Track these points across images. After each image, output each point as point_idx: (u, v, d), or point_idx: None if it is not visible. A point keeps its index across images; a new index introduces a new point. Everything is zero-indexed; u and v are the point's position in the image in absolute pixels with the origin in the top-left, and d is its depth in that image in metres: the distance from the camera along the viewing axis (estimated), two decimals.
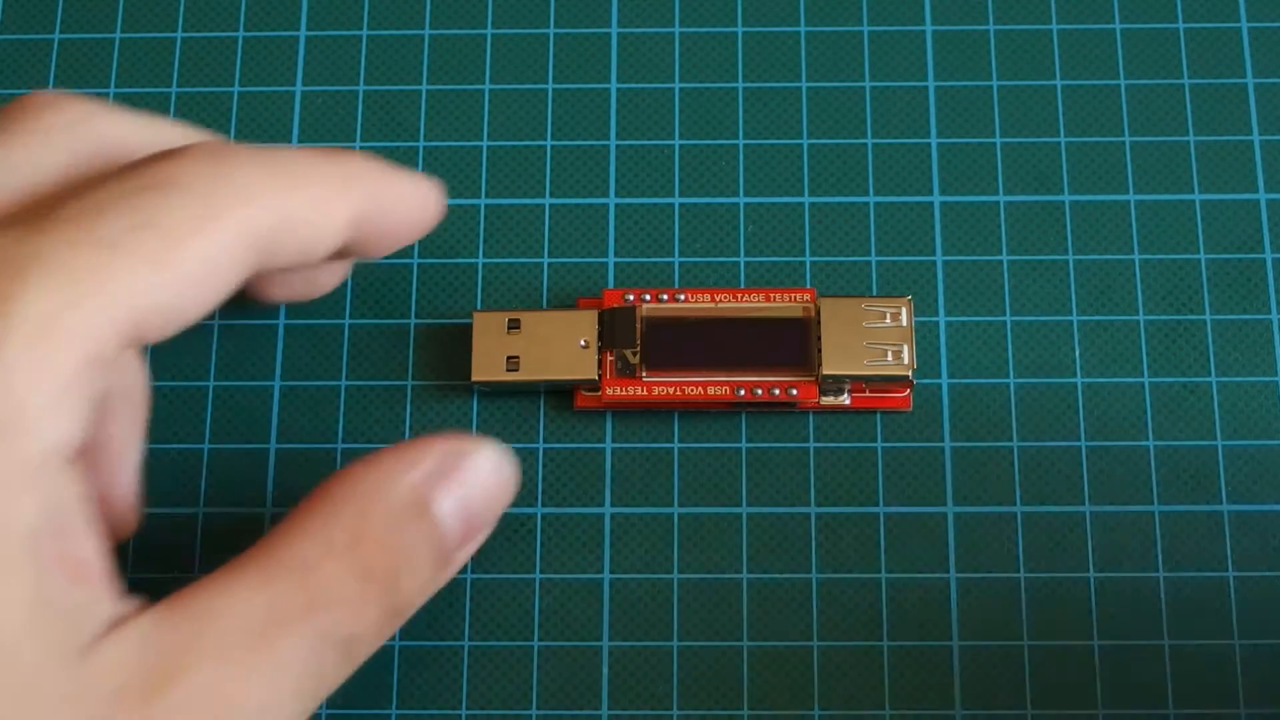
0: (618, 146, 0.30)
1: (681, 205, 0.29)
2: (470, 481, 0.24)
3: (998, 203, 0.29)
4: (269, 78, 0.30)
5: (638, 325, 0.27)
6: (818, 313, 0.27)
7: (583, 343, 0.27)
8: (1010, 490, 0.27)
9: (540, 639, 0.27)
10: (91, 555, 0.20)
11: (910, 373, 0.26)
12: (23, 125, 0.23)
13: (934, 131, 0.30)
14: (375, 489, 0.23)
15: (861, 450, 0.28)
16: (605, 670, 0.27)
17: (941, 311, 0.28)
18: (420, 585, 0.23)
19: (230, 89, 0.30)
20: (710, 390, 0.27)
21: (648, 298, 0.27)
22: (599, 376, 0.27)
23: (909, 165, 0.29)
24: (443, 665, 0.27)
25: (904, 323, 0.26)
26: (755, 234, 0.29)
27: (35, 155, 0.22)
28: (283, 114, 0.30)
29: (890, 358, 0.26)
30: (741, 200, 0.29)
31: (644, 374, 0.27)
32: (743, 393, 0.27)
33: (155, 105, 0.30)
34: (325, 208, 0.23)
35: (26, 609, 0.19)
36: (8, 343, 0.18)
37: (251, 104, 0.30)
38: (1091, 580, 0.27)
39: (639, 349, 0.27)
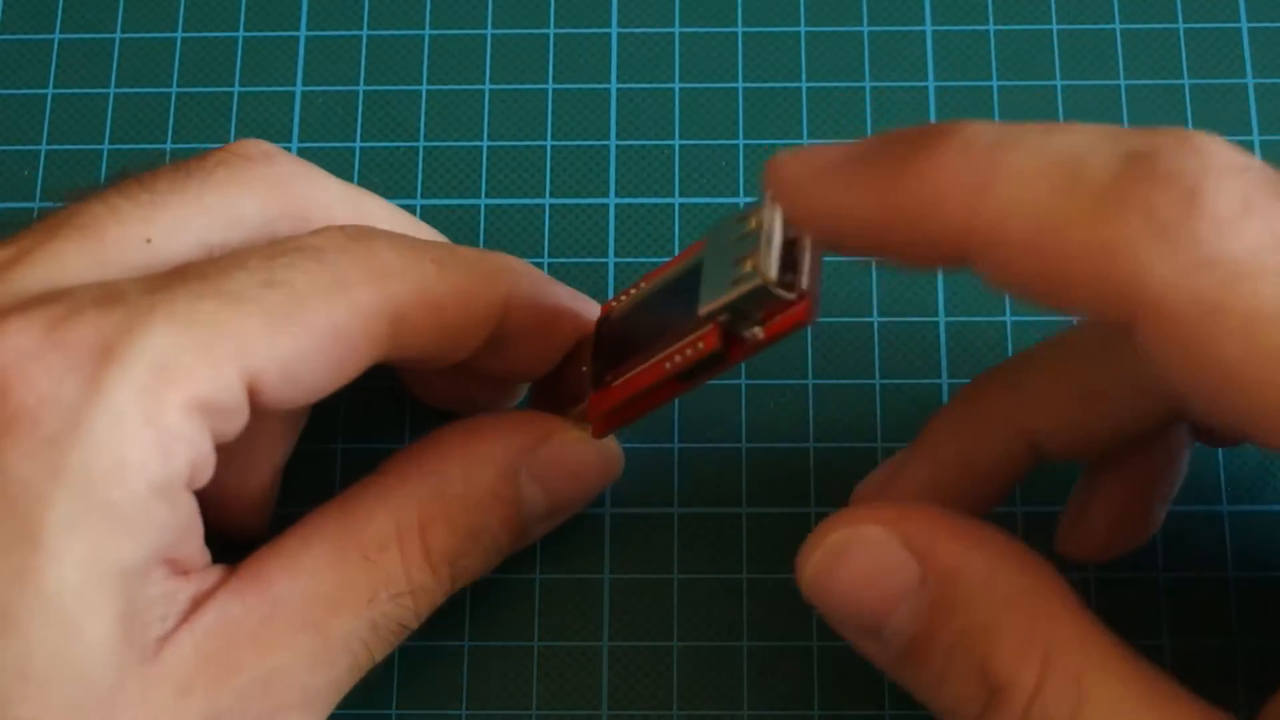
0: (618, 146, 0.30)
1: (681, 205, 0.29)
2: (562, 461, 0.24)
3: None
4: (269, 78, 0.30)
5: (600, 330, 0.24)
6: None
7: (585, 369, 0.25)
8: (1011, 491, 0.27)
9: (540, 639, 0.27)
10: (194, 552, 0.21)
11: (765, 283, 0.20)
12: (231, 172, 0.23)
13: None
14: (462, 466, 0.23)
15: (864, 450, 0.28)
16: (605, 670, 0.27)
17: (942, 312, 0.28)
18: (488, 563, 0.24)
19: (230, 89, 0.30)
20: (649, 376, 0.23)
21: (623, 297, 0.25)
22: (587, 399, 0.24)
23: None
24: (443, 665, 0.27)
25: (768, 228, 0.20)
26: None
27: (234, 204, 0.23)
28: (283, 114, 0.30)
29: (747, 268, 0.20)
30: (741, 200, 0.29)
31: (609, 380, 0.24)
32: (668, 366, 0.22)
33: (155, 105, 0.30)
34: (469, 297, 0.23)
35: (108, 640, 0.19)
36: (120, 389, 0.19)
37: (251, 104, 0.30)
38: (1092, 581, 0.27)
39: (589, 365, 0.24)
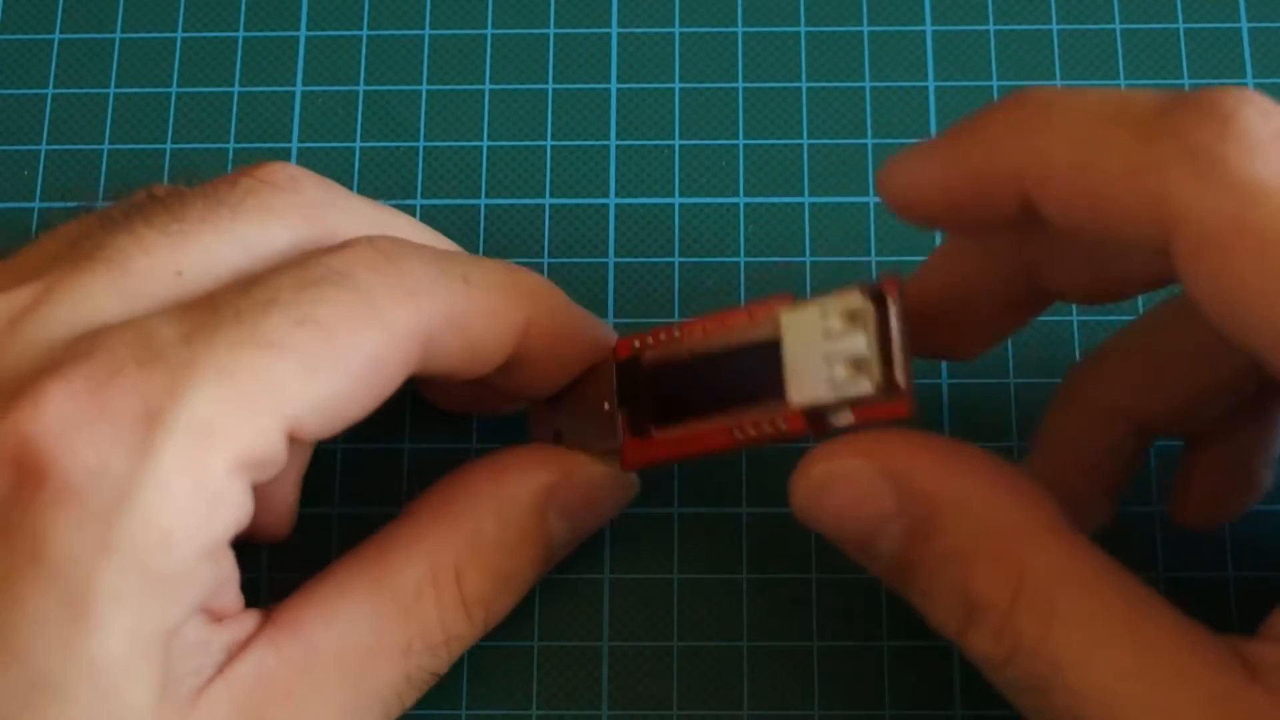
0: (618, 146, 0.30)
1: (681, 205, 0.29)
2: (586, 495, 0.25)
3: None
4: (269, 78, 0.30)
5: (644, 377, 0.24)
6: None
7: (607, 405, 0.25)
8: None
9: (540, 639, 0.27)
10: (230, 600, 0.21)
11: (874, 390, 0.21)
12: (261, 200, 0.22)
13: (934, 131, 0.30)
14: (494, 507, 0.24)
15: None
16: (605, 670, 0.27)
17: None
18: (516, 602, 0.24)
19: (230, 89, 0.30)
20: (712, 441, 0.23)
21: (650, 341, 0.24)
22: (619, 440, 0.24)
23: None
24: None
25: (868, 330, 0.21)
26: (755, 234, 0.29)
27: (266, 234, 0.22)
28: (283, 114, 0.30)
29: (858, 373, 0.21)
30: (741, 200, 0.29)
31: (654, 432, 0.24)
32: (739, 435, 0.23)
33: (155, 105, 0.30)
34: (496, 317, 0.22)
35: (150, 703, 0.19)
36: (166, 460, 0.19)
37: (251, 104, 0.30)
38: None
39: (643, 405, 0.24)
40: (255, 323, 0.20)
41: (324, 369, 0.20)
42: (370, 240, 0.22)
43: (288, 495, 0.25)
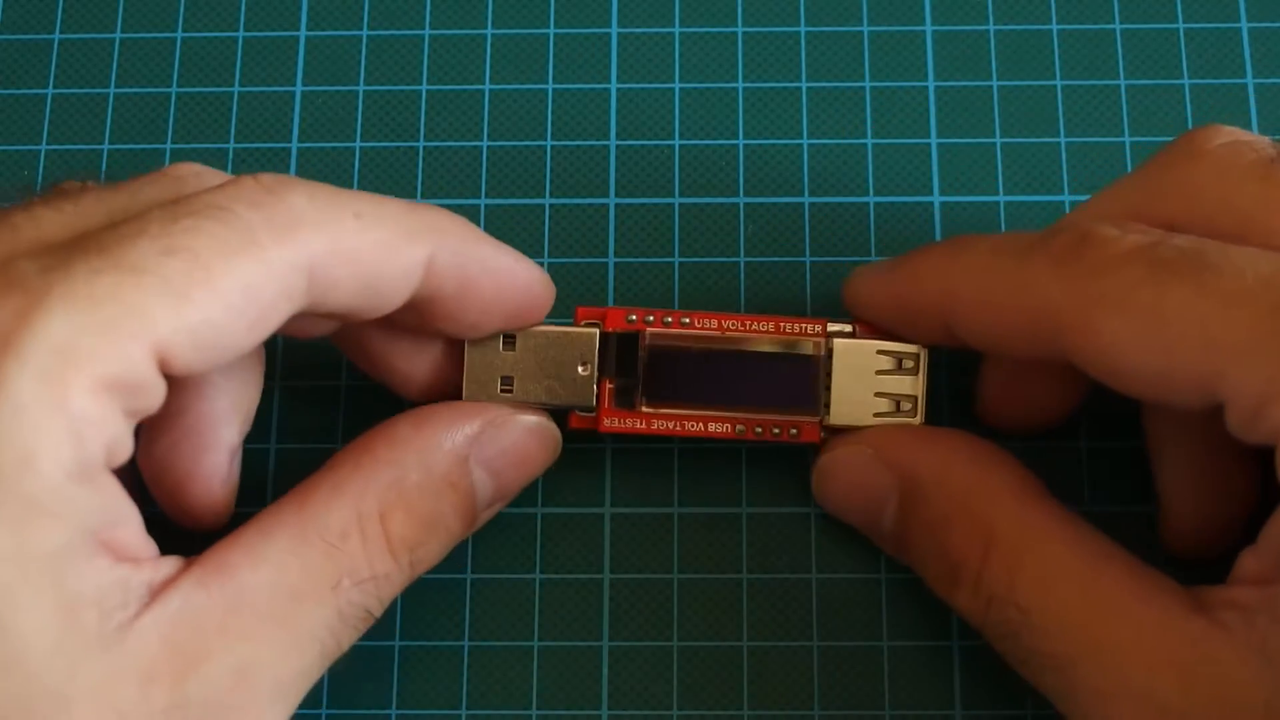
0: (618, 146, 0.30)
1: (681, 205, 0.29)
2: (509, 447, 0.25)
3: (998, 203, 0.29)
4: (269, 78, 0.30)
5: (641, 355, 0.25)
6: (829, 355, 0.25)
7: (582, 369, 0.25)
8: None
9: (540, 639, 0.27)
10: (134, 538, 0.21)
11: (919, 424, 0.25)
12: (160, 188, 0.23)
13: (934, 131, 0.30)
14: (417, 455, 0.24)
15: None
16: (605, 670, 0.27)
17: None
18: (443, 550, 0.25)
19: (230, 89, 0.30)
20: (711, 427, 0.25)
21: (651, 319, 0.25)
22: (596, 405, 0.25)
23: (909, 165, 0.29)
24: (443, 665, 0.27)
25: (918, 374, 0.25)
26: (755, 234, 0.29)
27: (142, 197, 0.22)
28: (283, 114, 0.30)
29: (899, 409, 0.25)
30: (741, 200, 0.29)
31: (644, 406, 0.25)
32: (742, 429, 0.25)
33: (155, 106, 0.30)
34: (391, 251, 0.22)
35: (48, 630, 0.19)
36: (19, 379, 0.19)
37: (251, 104, 0.30)
38: None
39: (640, 380, 0.25)
40: (119, 252, 0.20)
41: (192, 296, 0.20)
42: (256, 176, 0.22)
43: (220, 467, 0.24)
